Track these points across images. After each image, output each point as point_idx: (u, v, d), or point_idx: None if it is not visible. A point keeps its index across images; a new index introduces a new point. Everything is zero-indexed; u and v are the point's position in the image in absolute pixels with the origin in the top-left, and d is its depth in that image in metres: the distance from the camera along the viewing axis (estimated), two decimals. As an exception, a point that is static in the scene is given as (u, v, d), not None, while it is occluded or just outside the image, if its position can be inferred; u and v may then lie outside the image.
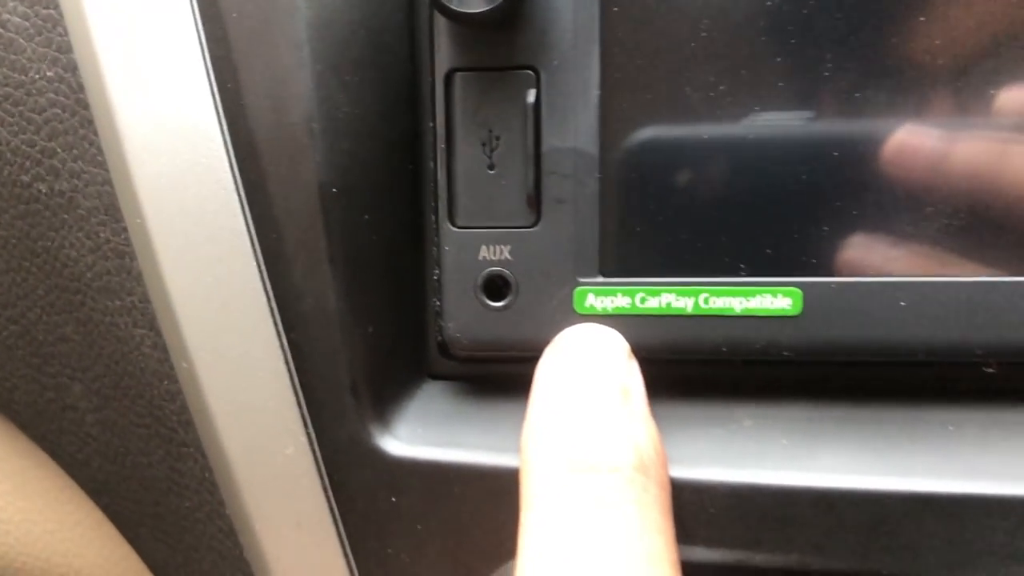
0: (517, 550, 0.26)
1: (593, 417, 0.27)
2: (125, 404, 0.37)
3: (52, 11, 0.34)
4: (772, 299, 0.30)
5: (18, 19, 0.35)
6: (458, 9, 0.28)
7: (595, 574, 0.23)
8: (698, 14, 0.30)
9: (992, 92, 0.29)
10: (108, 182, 0.34)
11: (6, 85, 0.35)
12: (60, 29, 0.34)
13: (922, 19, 0.29)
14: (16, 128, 0.35)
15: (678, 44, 0.30)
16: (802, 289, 0.30)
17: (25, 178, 0.35)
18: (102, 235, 0.35)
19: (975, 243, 0.29)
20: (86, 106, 0.33)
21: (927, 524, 0.27)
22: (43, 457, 0.45)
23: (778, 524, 0.28)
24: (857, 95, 0.29)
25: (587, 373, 0.29)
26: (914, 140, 0.29)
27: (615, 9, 0.30)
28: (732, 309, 0.30)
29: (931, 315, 0.29)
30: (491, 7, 0.28)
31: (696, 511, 0.29)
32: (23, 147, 0.35)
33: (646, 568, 0.24)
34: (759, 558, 0.28)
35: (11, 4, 0.35)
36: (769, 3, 0.29)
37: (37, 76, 0.35)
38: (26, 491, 0.49)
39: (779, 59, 0.29)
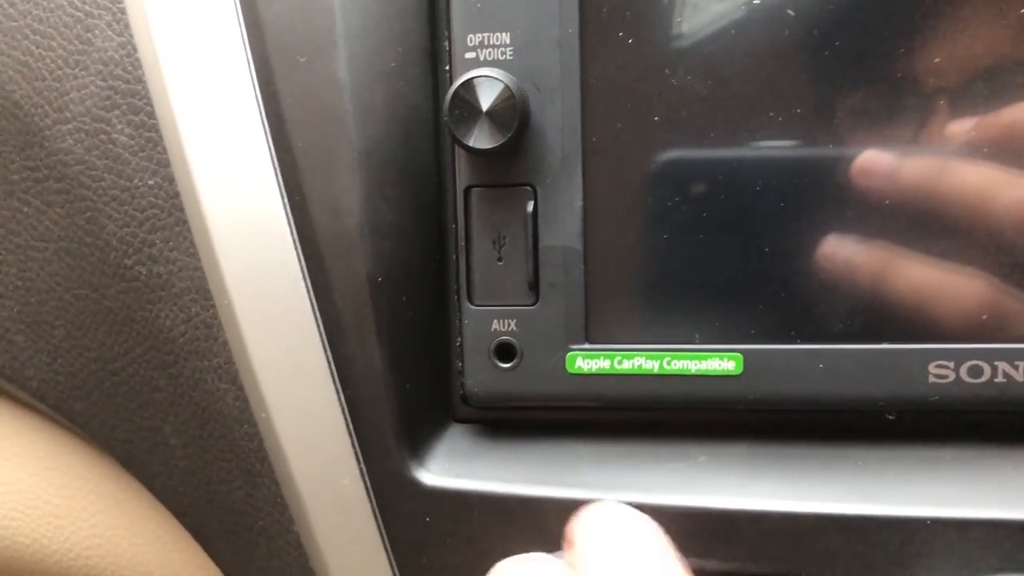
0: None
1: None
2: (209, 443, 0.45)
3: (153, 134, 0.43)
4: (720, 362, 0.39)
5: (125, 138, 0.44)
6: (473, 145, 0.37)
7: None
8: (669, 143, 0.38)
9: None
10: (199, 268, 0.43)
11: (114, 188, 0.44)
12: (160, 148, 0.43)
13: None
14: (121, 222, 0.44)
15: (643, 173, 0.38)
16: (743, 354, 0.38)
17: (128, 262, 0.45)
18: (193, 310, 0.44)
19: (879, 315, 0.38)
20: (181, 209, 0.42)
21: (836, 538, 0.36)
22: (135, 485, 0.54)
23: (723, 538, 0.37)
24: (789, 153, 0.38)
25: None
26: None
27: (594, 140, 0.38)
28: (688, 370, 0.39)
29: (844, 375, 0.38)
30: (498, 145, 0.37)
31: (666, 528, 0.37)
32: (127, 237, 0.44)
33: None
34: (710, 565, 0.37)
35: (119, 126, 0.44)
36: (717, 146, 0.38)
37: (140, 183, 0.44)
38: (116, 512, 0.57)
39: (721, 177, 0.38)
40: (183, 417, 0.46)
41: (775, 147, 0.37)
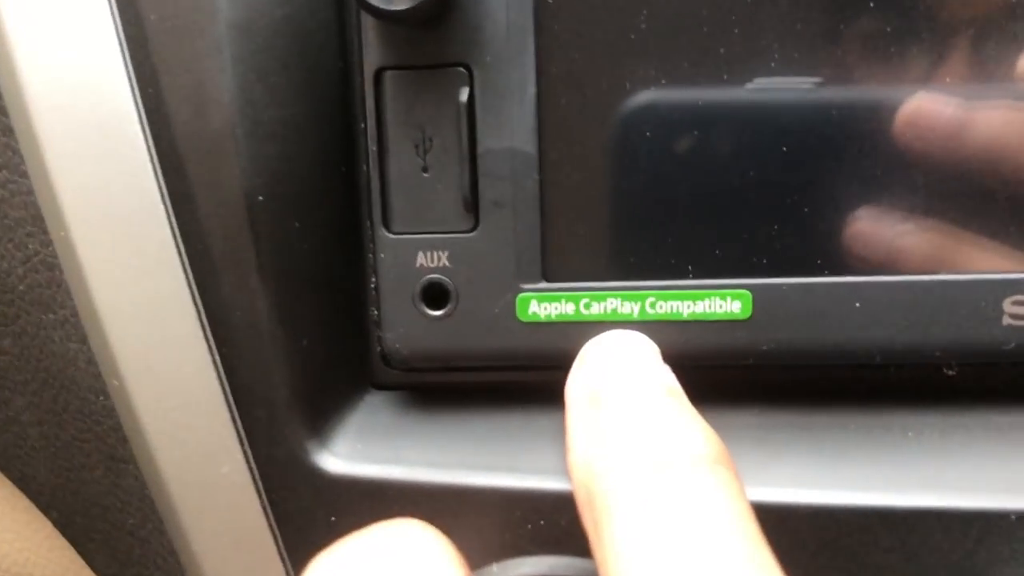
0: (605, 564, 0.24)
1: (657, 413, 0.26)
2: (65, 419, 0.35)
3: None
4: (721, 302, 0.29)
5: None
6: (383, 7, 0.27)
7: (711, 569, 0.22)
8: (639, 4, 0.28)
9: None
10: (32, 191, 0.32)
11: None
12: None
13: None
14: None
15: (618, 36, 0.28)
16: (752, 291, 0.29)
17: None
18: (31, 247, 0.33)
19: (930, 241, 0.28)
20: (4, 112, 0.32)
21: (883, 540, 0.26)
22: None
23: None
24: (808, 91, 0.28)
25: (633, 376, 0.27)
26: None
27: (550, 1, 0.28)
28: (680, 314, 0.29)
29: (886, 316, 0.28)
30: (416, 5, 0.26)
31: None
32: None
33: (757, 554, 0.22)
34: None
35: None
36: None
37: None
38: None
39: (723, 50, 0.28)
40: (34, 387, 0.36)
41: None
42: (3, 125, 0.32)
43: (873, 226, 0.29)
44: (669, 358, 0.29)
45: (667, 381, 0.28)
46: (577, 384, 0.29)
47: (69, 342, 0.33)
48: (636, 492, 0.24)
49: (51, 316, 0.34)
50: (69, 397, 0.34)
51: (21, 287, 0.34)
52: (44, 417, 0.36)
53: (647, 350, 0.29)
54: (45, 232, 0.33)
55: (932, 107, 0.28)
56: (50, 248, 0.33)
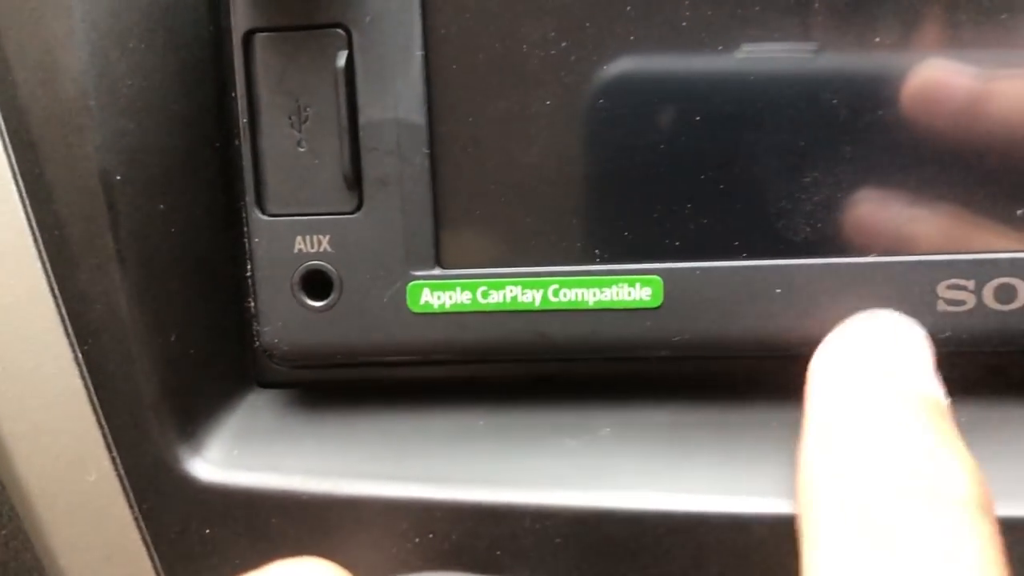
0: None
1: (919, 437, 0.21)
2: None
3: None
4: (630, 289, 0.26)
5: None
6: (244, -41, 0.24)
7: None
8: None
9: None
10: None
11: None
12: None
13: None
14: None
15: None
16: (662, 277, 0.26)
17: None
18: None
19: (859, 220, 0.25)
20: None
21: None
22: None
23: (632, 554, 0.24)
24: (718, 55, 0.25)
25: (902, 382, 0.23)
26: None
27: None
28: (585, 302, 0.26)
29: (810, 303, 0.25)
30: (278, -45, 0.23)
31: (538, 540, 0.25)
32: None
33: None
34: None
35: None
36: None
37: None
38: None
39: (630, 6, 0.25)
40: None
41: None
42: None
43: (797, 203, 0.26)
44: (574, 350, 0.27)
45: (939, 398, 0.24)
46: (832, 364, 0.24)
47: None
48: (873, 520, 0.20)
49: None
50: None
51: None
52: None
53: (924, 353, 0.25)
54: None
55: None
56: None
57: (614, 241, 0.26)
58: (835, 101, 0.25)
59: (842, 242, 0.26)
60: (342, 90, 0.26)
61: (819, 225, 0.26)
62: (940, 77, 0.25)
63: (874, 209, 0.26)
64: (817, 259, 0.26)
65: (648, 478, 0.25)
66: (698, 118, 0.26)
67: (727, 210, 0.26)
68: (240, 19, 0.26)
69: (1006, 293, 0.25)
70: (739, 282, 0.26)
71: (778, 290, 0.25)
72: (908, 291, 0.25)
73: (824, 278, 0.25)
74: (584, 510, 0.25)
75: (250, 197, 0.27)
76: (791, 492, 0.24)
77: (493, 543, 0.25)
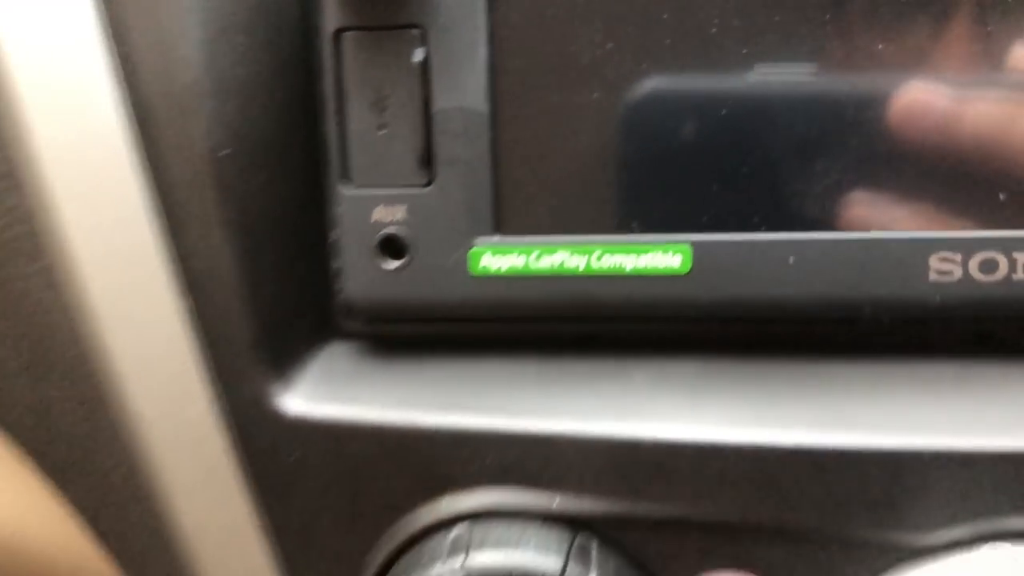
0: None
1: None
2: (45, 366, 0.37)
3: None
4: (662, 256, 0.30)
5: None
6: (338, -32, 0.28)
7: None
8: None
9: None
10: (8, 146, 0.34)
11: None
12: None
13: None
14: None
15: (569, 7, 0.29)
16: (692, 246, 0.30)
17: None
18: (9, 201, 0.35)
19: (860, 201, 0.29)
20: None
21: (807, 476, 0.28)
22: None
23: (664, 478, 0.29)
24: (750, 46, 0.29)
25: None
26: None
27: None
28: (623, 267, 0.30)
29: (819, 271, 0.29)
30: (369, -34, 0.28)
31: (582, 464, 0.29)
32: None
33: None
34: (641, 508, 0.29)
35: None
36: None
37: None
38: None
39: (667, 15, 0.29)
40: (13, 336, 0.38)
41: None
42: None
43: (808, 187, 0.30)
44: (614, 310, 0.31)
45: None
46: None
47: (46, 291, 0.35)
48: None
49: (30, 267, 0.35)
50: (50, 343, 0.36)
51: (1, 239, 0.35)
52: (25, 365, 0.38)
53: None
54: (23, 185, 0.34)
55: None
56: (29, 201, 0.34)
57: (650, 214, 0.30)
58: (842, 106, 0.29)
59: (847, 219, 0.30)
60: (418, 82, 0.30)
61: (827, 205, 0.30)
62: (921, 96, 0.29)
63: (876, 192, 0.30)
64: (825, 233, 0.30)
65: (674, 412, 0.29)
66: (724, 114, 0.30)
67: (748, 190, 0.30)
68: (330, 19, 0.30)
69: (989, 266, 0.29)
70: (758, 252, 0.30)
71: (791, 260, 0.30)
72: (904, 262, 0.29)
73: (831, 250, 0.29)
74: (619, 438, 0.29)
75: (336, 173, 0.31)
76: (799, 424, 0.28)
77: (542, 465, 0.29)
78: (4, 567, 0.56)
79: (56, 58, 0.31)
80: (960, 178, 0.29)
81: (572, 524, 0.30)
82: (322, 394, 0.32)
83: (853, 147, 0.29)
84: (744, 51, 0.29)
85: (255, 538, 0.35)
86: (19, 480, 0.48)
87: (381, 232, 0.31)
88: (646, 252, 0.30)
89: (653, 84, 0.30)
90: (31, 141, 0.32)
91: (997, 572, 0.27)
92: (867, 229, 0.29)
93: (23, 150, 0.33)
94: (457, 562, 0.29)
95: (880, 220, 0.29)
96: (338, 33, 0.30)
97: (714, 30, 0.29)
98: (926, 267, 0.29)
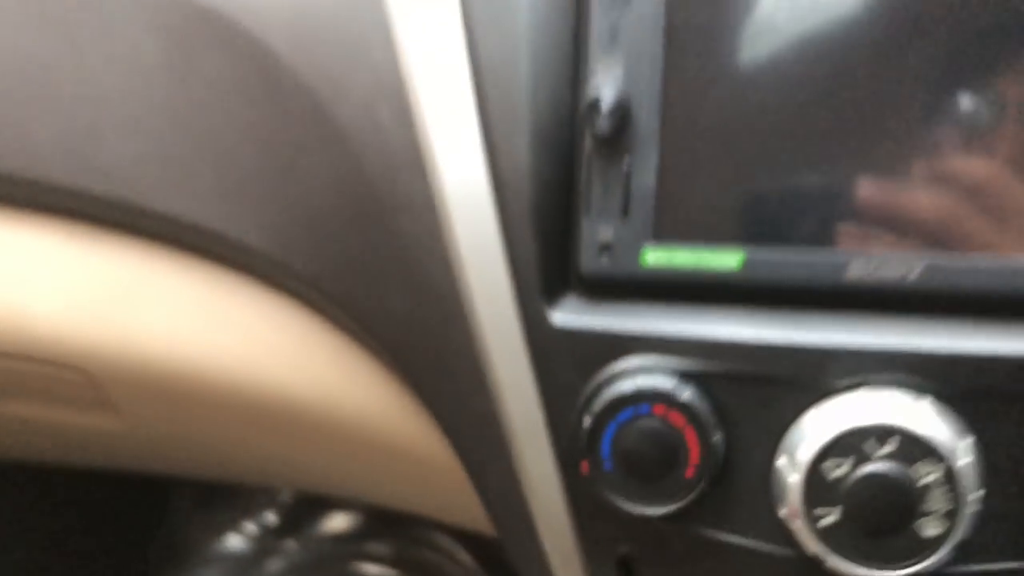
0: None
1: None
2: (423, 306, 0.72)
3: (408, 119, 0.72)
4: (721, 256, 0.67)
5: (387, 121, 0.74)
6: (596, 133, 0.66)
7: None
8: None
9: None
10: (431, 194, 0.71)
11: (377, 153, 0.73)
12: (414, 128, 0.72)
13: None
14: (379, 170, 0.73)
15: (697, 150, 0.67)
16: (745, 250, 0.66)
17: (383, 197, 0.73)
18: (425, 218, 0.73)
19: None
20: (424, 167, 0.69)
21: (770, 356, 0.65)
22: (349, 343, 0.77)
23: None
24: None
25: None
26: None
27: (668, 124, 0.67)
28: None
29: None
30: (610, 132, 0.65)
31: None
32: (384, 177, 0.73)
33: None
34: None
35: (384, 112, 0.74)
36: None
37: (398, 149, 0.72)
38: (337, 362, 0.79)
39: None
40: (405, 289, 0.74)
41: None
42: (421, 170, 0.72)
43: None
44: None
45: None
46: None
47: (433, 263, 0.71)
48: None
49: (427, 252, 0.72)
50: (425, 273, 0.65)
51: (413, 236, 0.73)
52: (410, 303, 0.68)
53: None
54: (432, 212, 0.66)
55: None
56: (434, 216, 0.67)
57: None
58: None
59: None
60: (625, 174, 0.67)
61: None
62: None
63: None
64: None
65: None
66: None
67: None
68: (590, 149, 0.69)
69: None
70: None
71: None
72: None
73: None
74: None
75: (583, 209, 0.68)
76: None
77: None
78: (370, 451, 0.84)
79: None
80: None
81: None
82: (572, 313, 0.66)
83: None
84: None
85: (542, 421, 0.66)
86: (382, 381, 0.77)
87: (600, 239, 0.69)
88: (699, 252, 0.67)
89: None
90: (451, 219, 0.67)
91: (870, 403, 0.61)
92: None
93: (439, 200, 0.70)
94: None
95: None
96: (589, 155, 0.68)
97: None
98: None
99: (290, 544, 1.83)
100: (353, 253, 0.70)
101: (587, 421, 0.59)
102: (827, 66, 0.57)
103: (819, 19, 0.57)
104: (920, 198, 0.56)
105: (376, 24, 0.64)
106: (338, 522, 1.85)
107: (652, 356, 0.61)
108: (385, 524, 1.82)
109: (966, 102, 0.55)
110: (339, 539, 1.84)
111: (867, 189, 0.57)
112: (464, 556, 1.80)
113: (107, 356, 0.82)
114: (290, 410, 0.81)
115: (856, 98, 0.56)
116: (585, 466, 0.59)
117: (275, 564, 1.81)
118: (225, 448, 0.97)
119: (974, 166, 0.54)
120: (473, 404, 0.66)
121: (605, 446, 0.59)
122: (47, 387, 0.90)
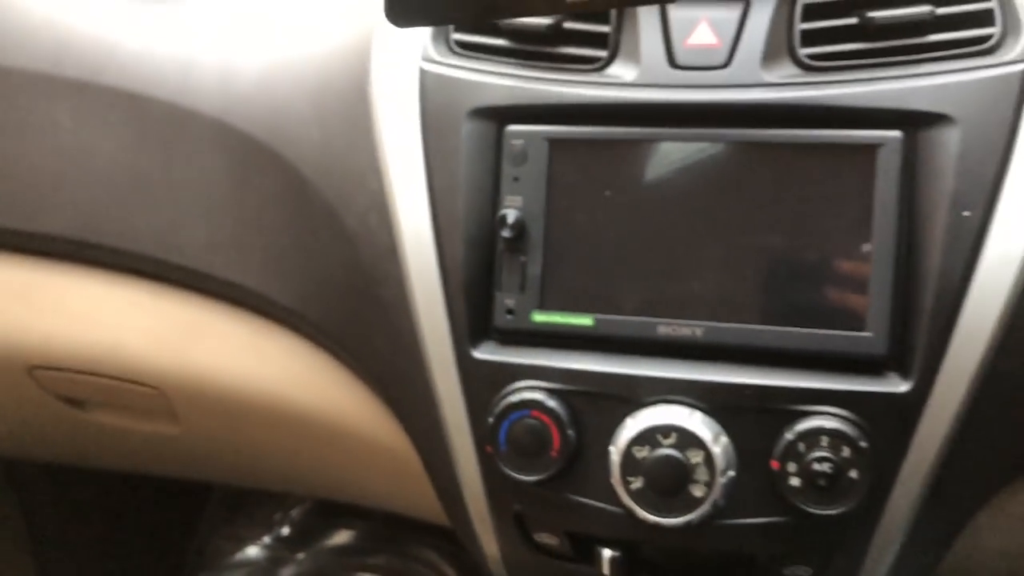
0: None
1: None
2: (394, 349, 1.09)
3: (389, 222, 1.10)
4: (572, 319, 1.03)
5: (376, 227, 1.11)
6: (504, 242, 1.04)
7: None
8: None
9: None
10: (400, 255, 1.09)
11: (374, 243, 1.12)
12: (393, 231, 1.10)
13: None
14: (373, 260, 1.11)
15: (572, 253, 1.04)
16: (595, 316, 1.02)
17: (376, 277, 1.11)
18: (394, 282, 1.10)
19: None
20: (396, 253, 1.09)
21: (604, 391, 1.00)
22: (346, 372, 1.02)
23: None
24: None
25: None
26: None
27: (548, 239, 1.03)
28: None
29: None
30: (512, 238, 1.03)
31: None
32: (376, 263, 1.10)
33: None
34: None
35: (373, 220, 1.12)
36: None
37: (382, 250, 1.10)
38: (338, 385, 1.07)
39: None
40: (384, 333, 1.06)
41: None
42: (394, 252, 1.10)
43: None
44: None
45: None
46: None
47: (387, 261, 1.04)
48: None
49: (386, 286, 1.09)
50: (395, 324, 1.00)
51: (387, 297, 1.10)
52: (382, 333, 0.97)
53: None
54: (394, 258, 1.05)
55: None
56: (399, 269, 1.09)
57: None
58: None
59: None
60: (523, 266, 1.05)
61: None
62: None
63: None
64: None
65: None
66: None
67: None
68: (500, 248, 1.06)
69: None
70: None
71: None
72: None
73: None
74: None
75: (496, 285, 1.05)
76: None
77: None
78: (335, 441, 1.06)
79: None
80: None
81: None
82: (488, 352, 0.94)
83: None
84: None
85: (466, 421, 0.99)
86: (367, 398, 1.00)
87: (506, 306, 1.05)
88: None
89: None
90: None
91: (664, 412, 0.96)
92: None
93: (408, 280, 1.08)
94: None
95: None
96: (500, 254, 1.06)
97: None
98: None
99: (300, 555, 2.18)
100: (349, 309, 0.97)
101: (492, 420, 0.92)
102: (649, 209, 0.94)
103: (649, 179, 0.94)
104: (704, 288, 0.93)
105: (371, 163, 0.95)
106: (342, 537, 2.20)
107: (534, 380, 0.90)
108: (383, 540, 2.17)
109: (723, 245, 0.89)
110: (342, 551, 2.19)
111: (671, 282, 0.94)
112: (449, 570, 2.14)
113: (175, 376, 1.08)
114: (302, 420, 1.06)
115: (665, 231, 0.87)
116: (489, 449, 0.95)
117: (287, 572, 2.15)
118: (250, 451, 1.19)
119: (735, 274, 0.88)
120: (426, 411, 1.01)
121: (502, 436, 0.88)
122: (128, 400, 1.14)
